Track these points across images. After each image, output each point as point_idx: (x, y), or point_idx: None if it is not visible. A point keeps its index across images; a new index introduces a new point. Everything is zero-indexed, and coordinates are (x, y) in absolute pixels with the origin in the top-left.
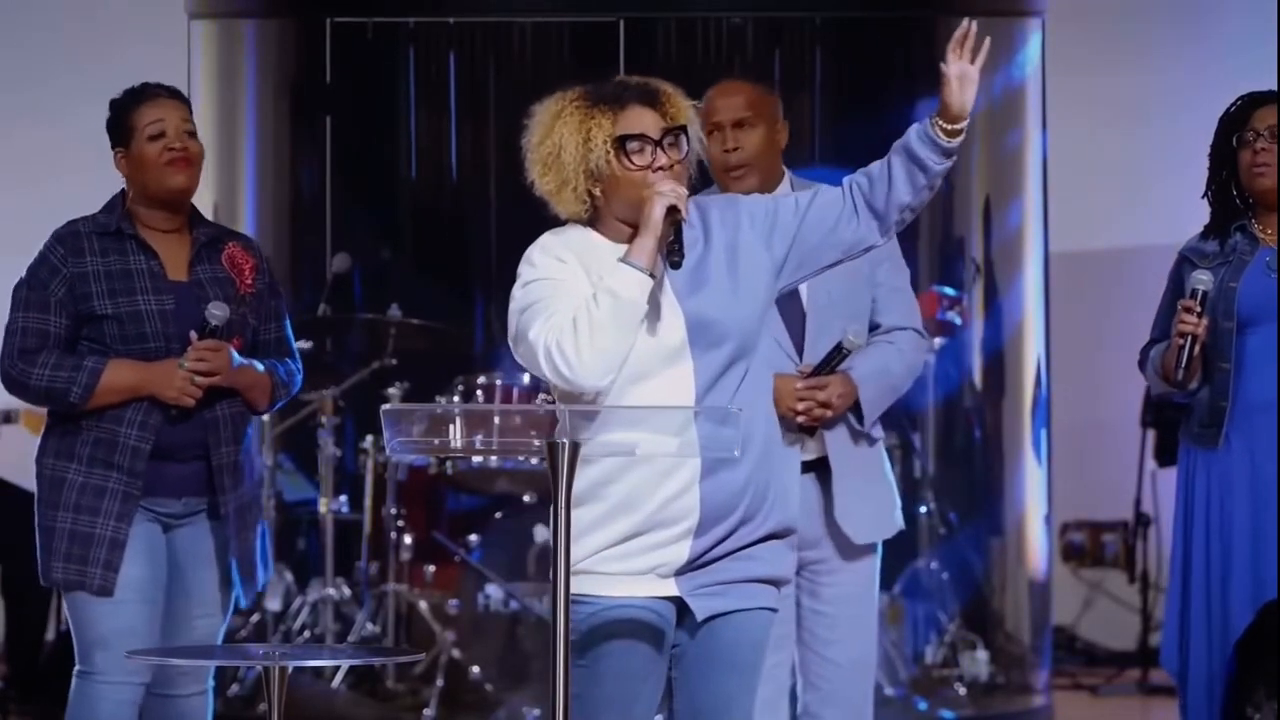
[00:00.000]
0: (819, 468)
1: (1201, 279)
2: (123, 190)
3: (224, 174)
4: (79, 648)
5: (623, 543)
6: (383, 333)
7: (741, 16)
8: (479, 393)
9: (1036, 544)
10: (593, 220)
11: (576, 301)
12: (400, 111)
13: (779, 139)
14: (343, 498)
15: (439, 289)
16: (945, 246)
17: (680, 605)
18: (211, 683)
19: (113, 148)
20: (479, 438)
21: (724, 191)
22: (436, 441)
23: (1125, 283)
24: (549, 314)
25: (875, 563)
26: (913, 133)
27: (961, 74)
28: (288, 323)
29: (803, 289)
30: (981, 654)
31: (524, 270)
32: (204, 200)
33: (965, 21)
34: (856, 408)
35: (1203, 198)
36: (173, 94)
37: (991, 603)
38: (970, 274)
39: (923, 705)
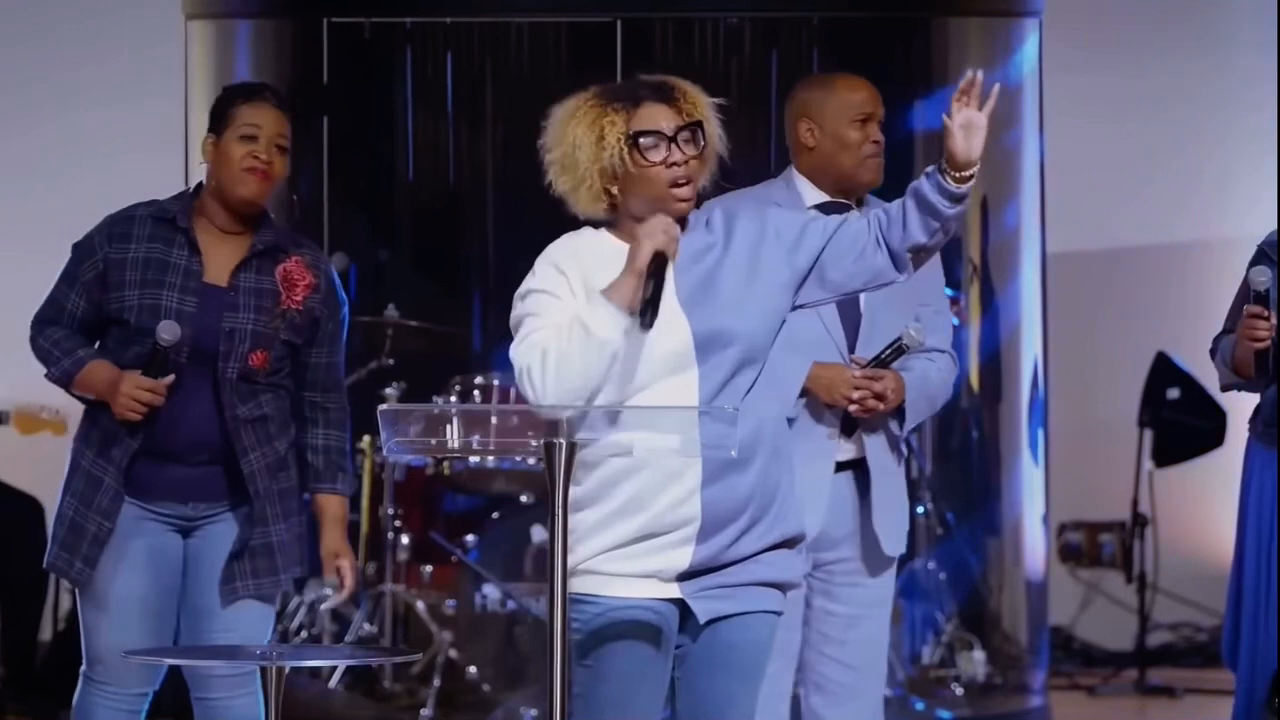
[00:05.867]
0: (854, 469)
1: (1259, 279)
2: (200, 182)
3: None
4: (85, 651)
5: (626, 545)
6: (380, 333)
7: (738, 17)
8: (476, 393)
9: (1033, 544)
10: (612, 220)
11: (558, 323)
12: (397, 112)
13: None
14: None
15: (436, 289)
16: (942, 247)
17: (683, 607)
18: (258, 684)
19: (207, 132)
20: (476, 438)
21: (857, 178)
22: (434, 442)
23: (1122, 283)
24: (529, 331)
25: (893, 573)
26: (925, 178)
27: (967, 122)
28: (341, 353)
29: None
30: (978, 654)
31: (528, 278)
32: None
33: (969, 72)
34: (900, 411)
35: None
36: (282, 103)
37: (989, 603)
38: (967, 274)
39: (920, 705)
